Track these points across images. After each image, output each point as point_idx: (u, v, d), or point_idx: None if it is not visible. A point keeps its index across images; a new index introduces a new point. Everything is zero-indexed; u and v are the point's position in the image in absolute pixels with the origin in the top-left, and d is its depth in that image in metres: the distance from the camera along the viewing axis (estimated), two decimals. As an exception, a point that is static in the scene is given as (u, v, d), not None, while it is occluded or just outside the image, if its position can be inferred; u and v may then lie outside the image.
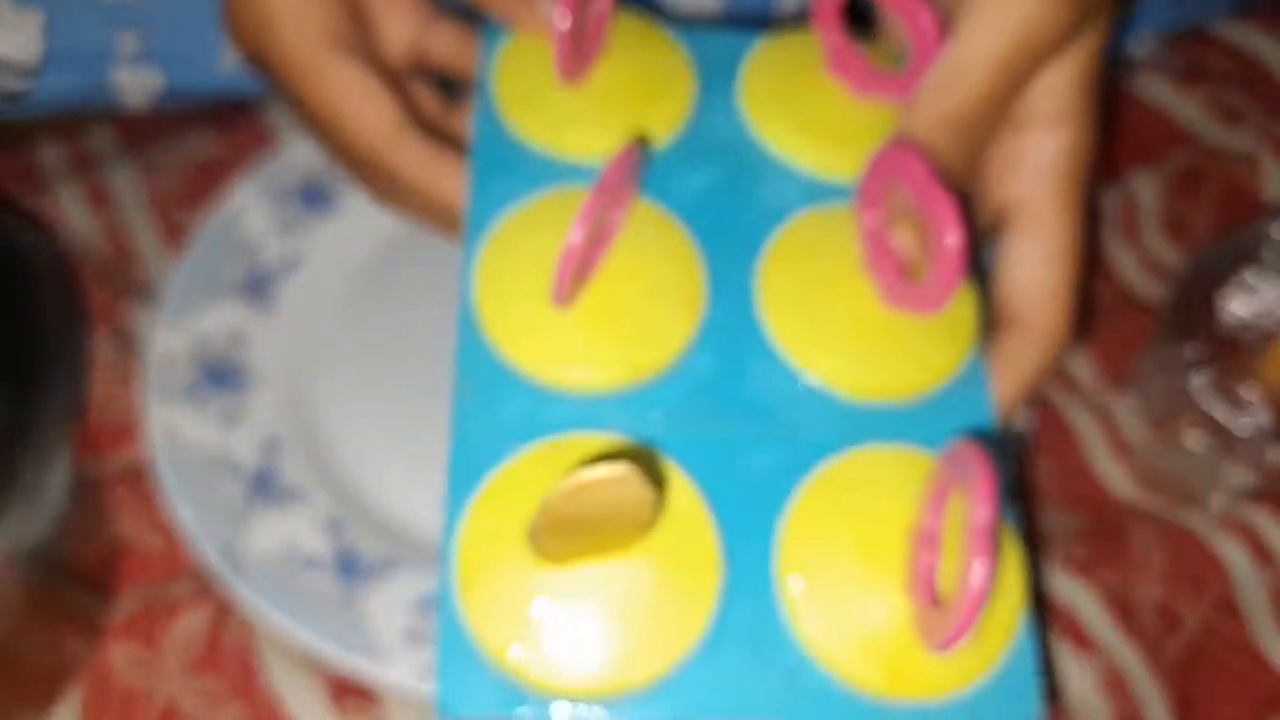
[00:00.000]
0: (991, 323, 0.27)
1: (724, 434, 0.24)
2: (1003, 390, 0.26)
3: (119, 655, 0.31)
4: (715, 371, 0.25)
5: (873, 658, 0.21)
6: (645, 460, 0.23)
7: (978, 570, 0.19)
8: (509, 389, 0.24)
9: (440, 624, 0.22)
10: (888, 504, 0.23)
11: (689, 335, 0.25)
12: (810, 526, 0.23)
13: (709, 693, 0.21)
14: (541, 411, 0.24)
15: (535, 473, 0.23)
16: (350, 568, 0.32)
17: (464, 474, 0.23)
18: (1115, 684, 0.31)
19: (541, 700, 0.21)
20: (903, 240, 0.24)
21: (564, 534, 0.20)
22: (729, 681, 0.21)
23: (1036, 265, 0.27)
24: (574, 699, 0.21)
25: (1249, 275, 0.34)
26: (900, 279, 0.24)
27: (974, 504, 0.19)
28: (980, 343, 0.26)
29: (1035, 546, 0.32)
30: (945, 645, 0.20)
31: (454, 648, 0.21)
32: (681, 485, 0.23)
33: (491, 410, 0.24)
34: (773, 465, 0.23)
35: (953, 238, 0.22)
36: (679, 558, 0.22)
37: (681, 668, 0.21)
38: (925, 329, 0.25)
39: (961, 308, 0.26)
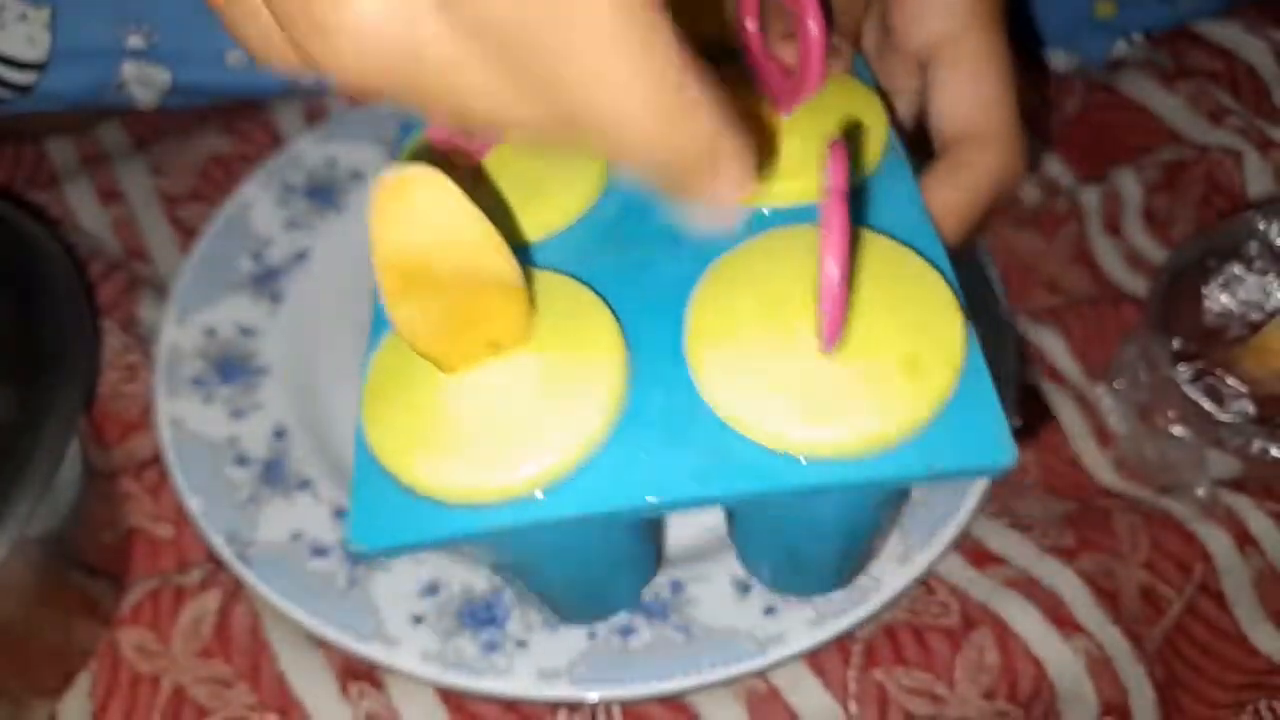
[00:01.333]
0: (938, 154, 0.27)
1: (632, 256, 0.23)
2: (953, 198, 0.25)
3: (128, 641, 0.31)
4: (623, 211, 0.24)
5: (793, 415, 0.20)
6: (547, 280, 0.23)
7: (829, 267, 0.18)
8: None
9: (355, 464, 0.21)
10: (790, 269, 0.22)
11: (598, 188, 0.25)
12: (715, 303, 0.22)
13: (629, 475, 0.20)
14: None
15: None
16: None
17: (379, 324, 0.23)
18: (1101, 668, 0.31)
19: (457, 513, 0.20)
20: (784, 52, 0.24)
21: (421, 297, 0.18)
22: (648, 462, 0.20)
23: (967, 85, 0.26)
24: (487, 505, 0.20)
25: (1233, 268, 0.34)
26: (783, 79, 0.25)
27: (822, 257, 0.18)
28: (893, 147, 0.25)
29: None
30: (826, 347, 0.20)
31: (366, 482, 0.21)
32: (580, 289, 0.22)
33: None
34: (680, 270, 0.23)
35: (814, 25, 0.22)
36: (581, 351, 0.21)
37: (597, 455, 0.20)
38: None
39: (871, 120, 0.25)
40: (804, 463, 0.20)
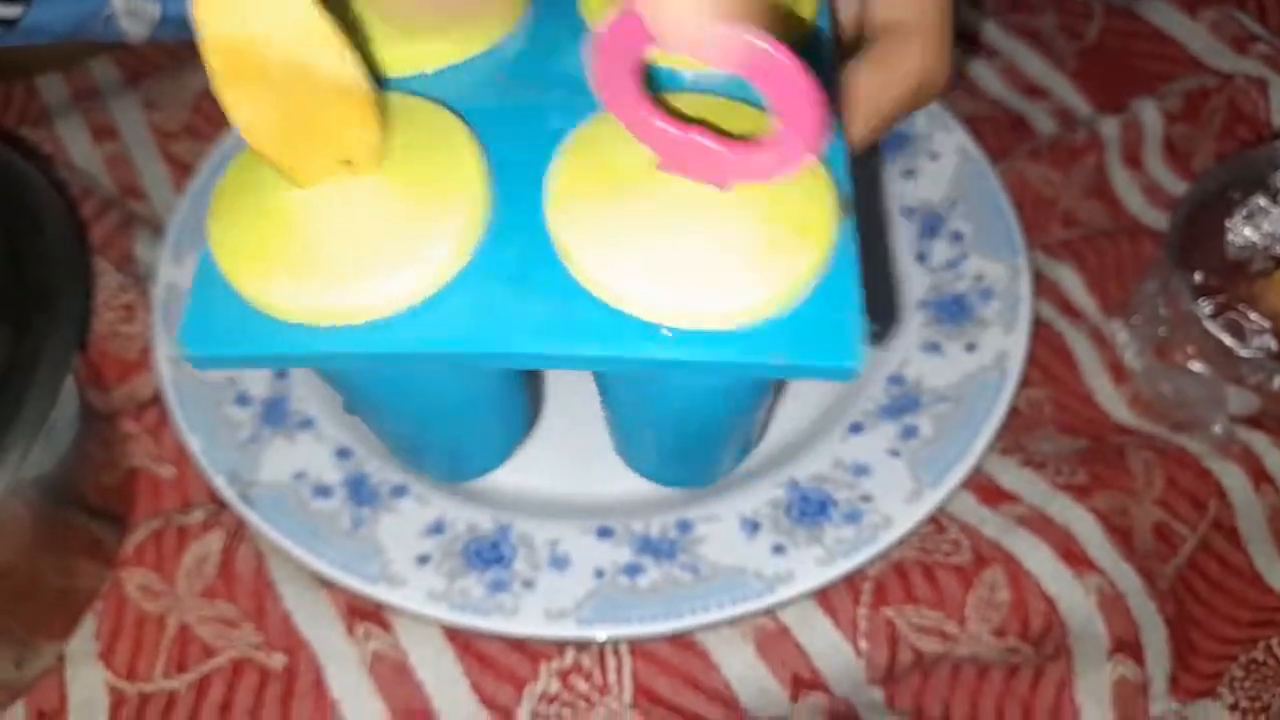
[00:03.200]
0: (865, 44, 0.25)
1: (522, 99, 0.22)
2: (869, 88, 0.24)
3: (133, 582, 0.31)
4: (528, 53, 0.23)
5: (646, 280, 0.19)
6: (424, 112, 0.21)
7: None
8: None
9: (197, 269, 0.20)
10: None
11: (503, 29, 0.23)
12: (588, 157, 0.20)
13: (471, 321, 0.19)
14: None
15: None
16: (360, 494, 0.31)
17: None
18: (1113, 604, 0.30)
19: (293, 332, 0.19)
20: None
21: (257, 95, 0.17)
22: (493, 310, 0.19)
23: None
24: (321, 328, 0.19)
25: (1258, 199, 0.32)
26: None
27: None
28: None
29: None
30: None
31: (205, 288, 0.20)
32: (452, 122, 0.21)
33: None
34: (568, 123, 0.21)
35: None
36: (440, 182, 0.20)
37: (441, 293, 0.19)
38: None
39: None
40: (650, 331, 0.19)
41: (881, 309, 0.34)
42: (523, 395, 0.29)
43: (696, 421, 0.25)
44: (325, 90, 0.18)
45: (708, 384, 0.22)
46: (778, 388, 0.26)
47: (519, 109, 0.22)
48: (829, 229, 0.19)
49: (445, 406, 0.24)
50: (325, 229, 0.19)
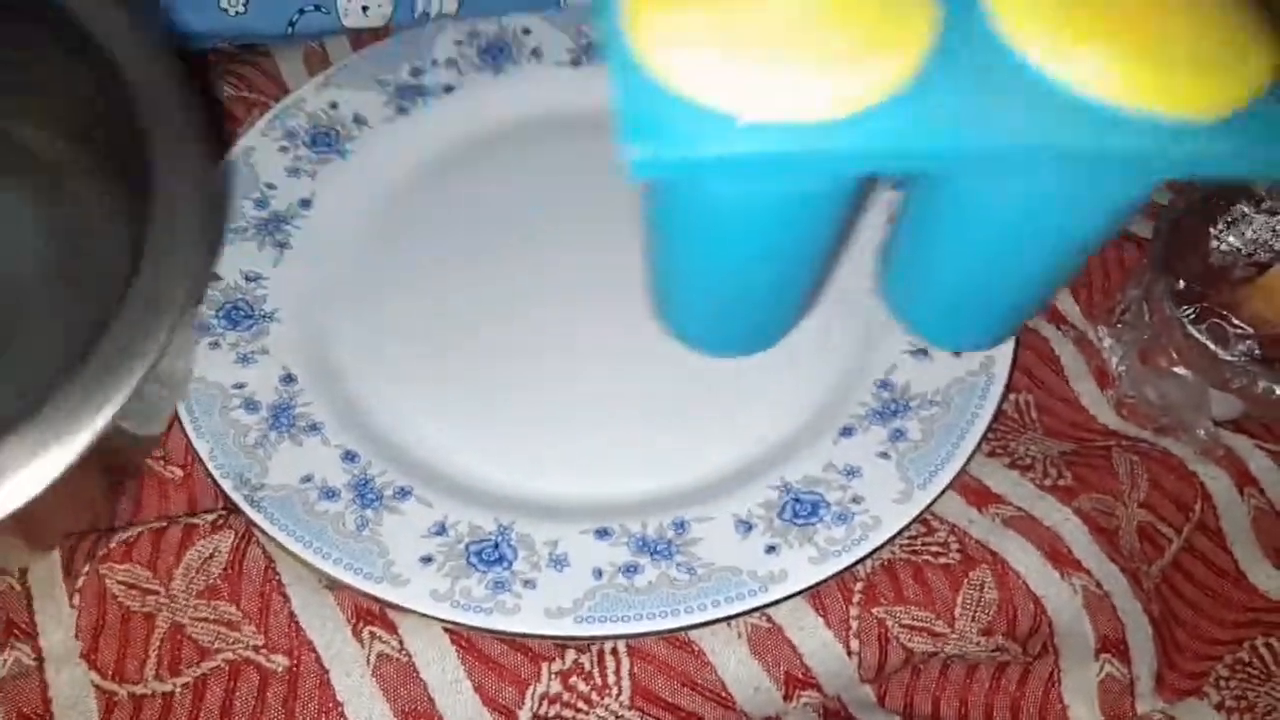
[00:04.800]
0: None
1: None
2: None
3: (115, 579, 0.30)
4: None
5: (1118, 60, 0.17)
6: None
7: None
8: None
9: (615, 76, 0.17)
10: None
11: None
12: None
13: (938, 112, 0.17)
14: None
15: None
16: (365, 497, 0.31)
17: None
18: (1099, 604, 0.30)
19: (740, 130, 0.17)
20: None
21: None
22: (958, 108, 0.17)
23: None
24: (773, 125, 0.17)
25: (1241, 206, 0.33)
26: None
27: None
28: None
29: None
30: None
31: (633, 86, 0.17)
32: None
33: None
34: None
35: None
36: None
37: (902, 92, 0.17)
38: None
39: None
40: (1129, 117, 0.17)
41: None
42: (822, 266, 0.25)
43: (1063, 245, 0.22)
44: None
45: (1090, 194, 0.19)
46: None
47: None
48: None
49: (792, 238, 0.22)
50: (781, 16, 0.17)
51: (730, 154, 0.17)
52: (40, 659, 0.29)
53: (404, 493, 0.31)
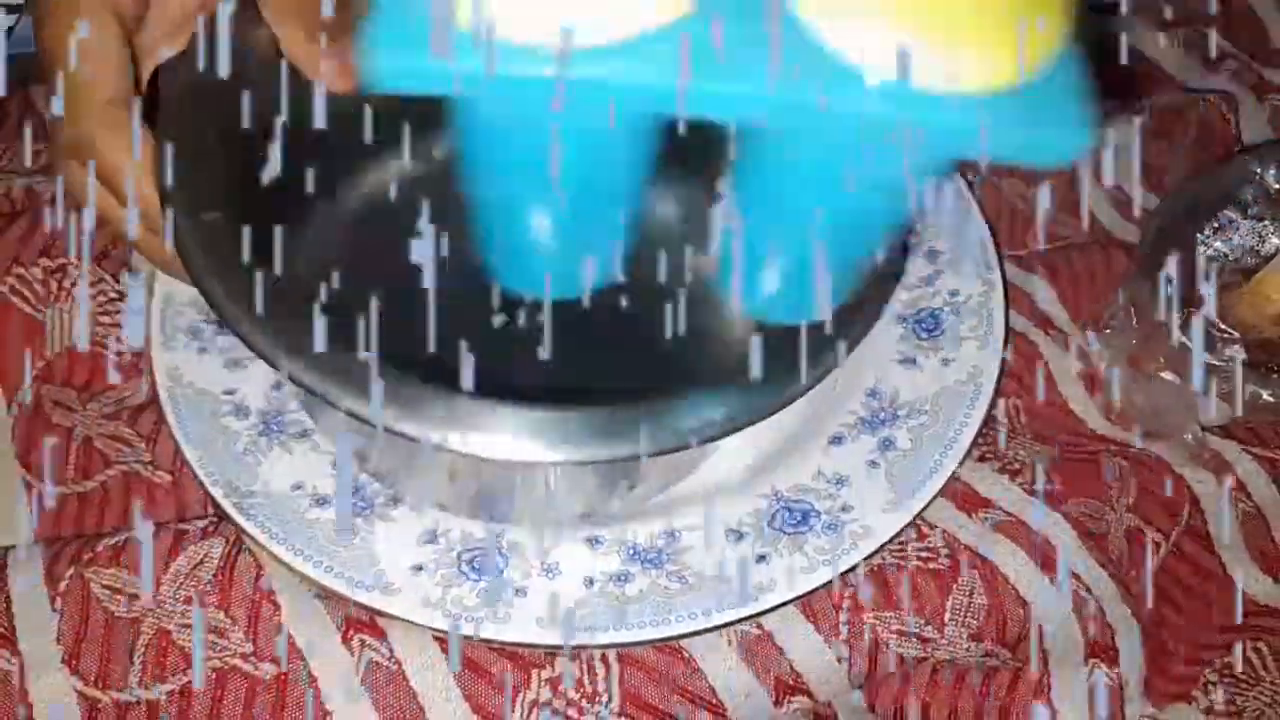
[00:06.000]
0: None
1: None
2: None
3: (100, 583, 0.29)
4: None
5: (889, 30, 0.17)
6: None
7: None
8: None
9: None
10: None
11: None
12: None
13: (698, 55, 0.17)
14: None
15: None
16: (358, 505, 0.30)
17: None
18: (1088, 609, 0.30)
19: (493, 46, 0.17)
20: None
21: None
22: (715, 50, 0.18)
23: None
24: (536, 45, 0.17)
25: (1228, 213, 0.32)
26: None
27: None
28: None
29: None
30: None
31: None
32: None
33: None
34: None
35: None
36: None
37: (667, 29, 0.18)
38: None
39: None
40: (886, 85, 0.17)
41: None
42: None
43: (859, 198, 0.21)
44: None
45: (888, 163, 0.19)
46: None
47: None
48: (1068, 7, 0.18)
49: (599, 158, 0.21)
50: None
51: (467, 71, 0.17)
52: (21, 665, 0.28)
53: (395, 500, 0.31)
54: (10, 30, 0.37)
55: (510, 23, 0.17)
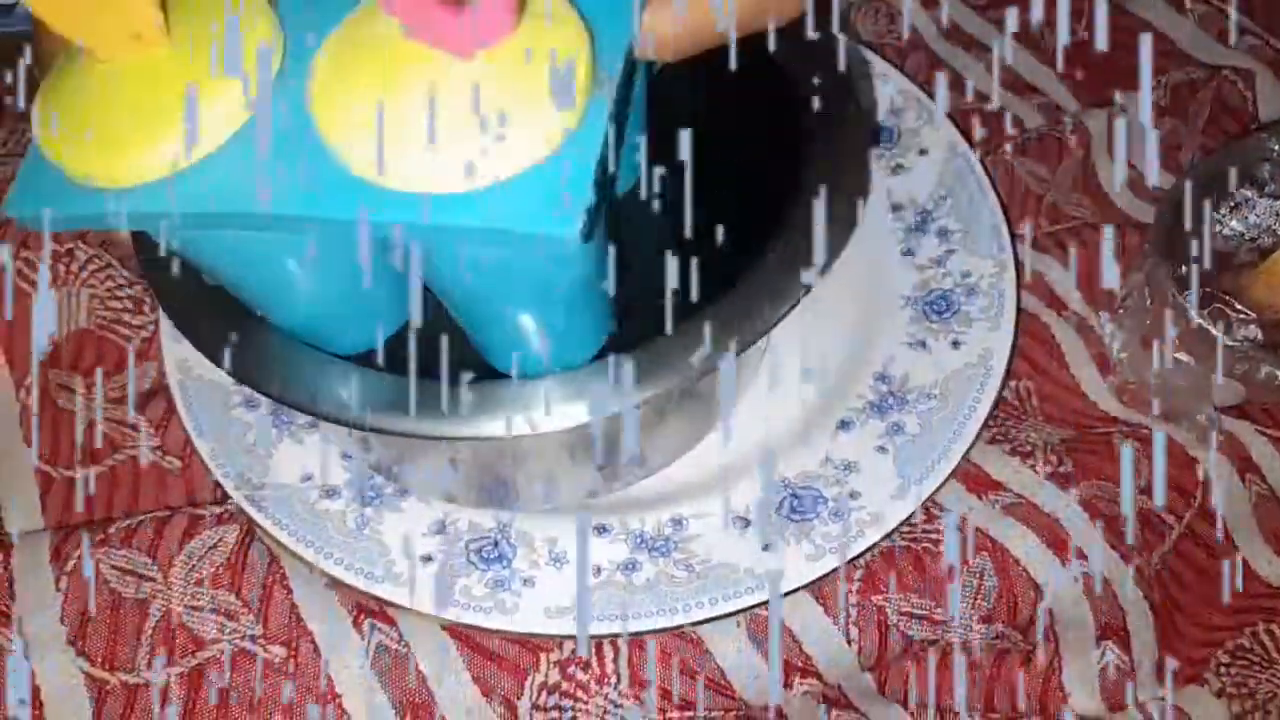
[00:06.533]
0: None
1: None
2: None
3: (109, 564, 0.30)
4: None
5: (381, 146, 0.19)
6: None
7: None
8: None
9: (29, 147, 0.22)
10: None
11: None
12: (349, 34, 0.21)
13: (230, 182, 0.20)
14: None
15: None
16: (365, 494, 0.30)
17: None
18: (1100, 591, 0.30)
19: (87, 193, 0.21)
20: None
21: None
22: (250, 174, 0.20)
23: None
24: (112, 187, 0.20)
25: (1244, 191, 0.32)
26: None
27: None
28: None
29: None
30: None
31: (33, 163, 0.21)
32: None
33: None
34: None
35: None
36: (220, 57, 0.21)
37: (206, 161, 0.20)
38: None
39: None
40: (379, 195, 0.19)
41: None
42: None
43: (500, 292, 0.23)
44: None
45: (483, 252, 0.21)
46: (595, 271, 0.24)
47: None
48: (567, 105, 0.19)
49: (258, 261, 0.24)
50: (114, 98, 0.21)
51: (72, 213, 0.21)
52: (25, 644, 0.28)
53: (404, 490, 0.31)
54: (9, 7, 0.37)
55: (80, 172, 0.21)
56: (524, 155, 0.19)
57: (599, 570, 0.29)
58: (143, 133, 0.20)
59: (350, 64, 0.20)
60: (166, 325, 0.33)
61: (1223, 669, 0.30)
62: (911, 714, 0.28)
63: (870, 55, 0.37)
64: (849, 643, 0.29)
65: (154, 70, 0.21)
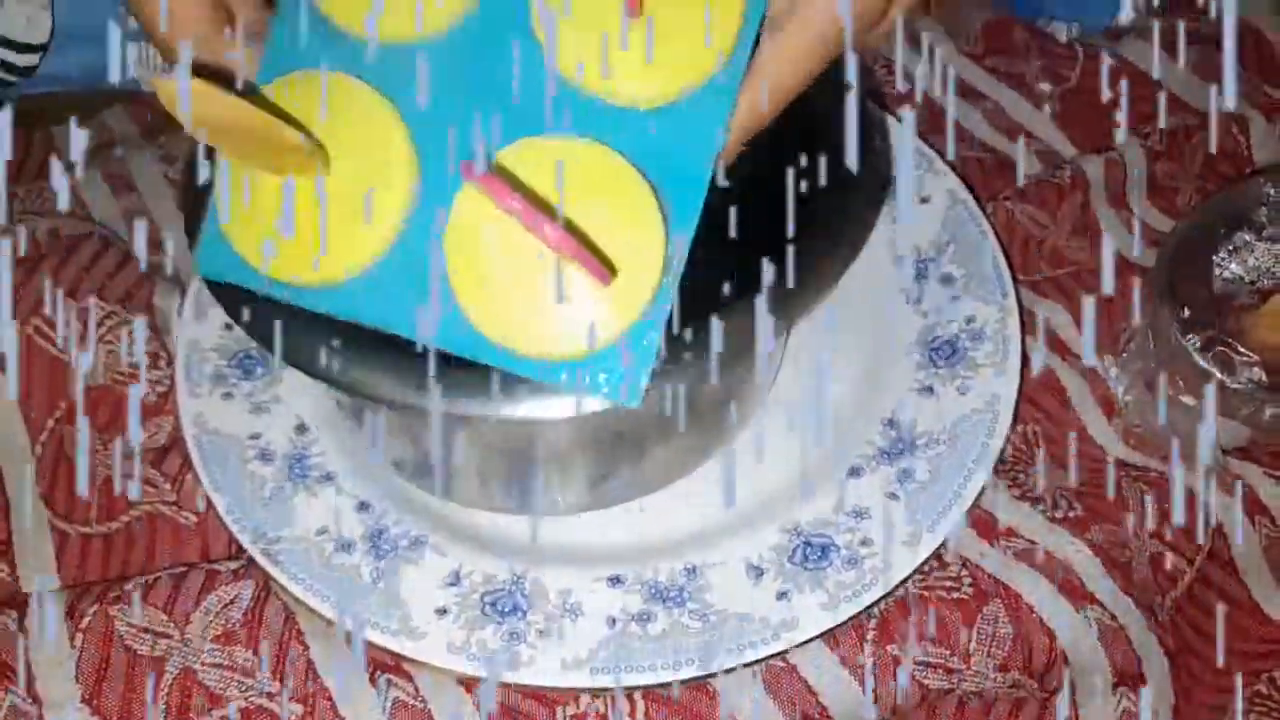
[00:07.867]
0: None
1: (462, 101, 0.25)
2: (761, 56, 0.24)
3: (126, 621, 0.29)
4: (478, 49, 0.25)
5: (504, 313, 0.24)
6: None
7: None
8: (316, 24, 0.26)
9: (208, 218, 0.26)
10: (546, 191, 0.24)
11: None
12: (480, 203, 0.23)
13: (375, 303, 0.24)
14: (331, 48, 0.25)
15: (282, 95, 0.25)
16: (380, 547, 0.30)
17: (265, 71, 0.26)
18: (1114, 637, 0.29)
19: (257, 278, 0.25)
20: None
21: (234, 141, 0.23)
22: (393, 299, 0.24)
23: None
24: (283, 284, 0.25)
25: (1242, 234, 0.32)
26: None
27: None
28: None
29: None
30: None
31: (212, 234, 0.26)
32: (395, 129, 0.25)
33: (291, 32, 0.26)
34: (493, 129, 0.24)
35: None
36: (372, 181, 0.24)
37: (358, 277, 0.24)
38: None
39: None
40: (495, 350, 0.24)
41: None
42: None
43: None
44: (272, 143, 0.23)
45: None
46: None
47: (453, 109, 0.25)
48: (639, 299, 0.24)
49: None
50: (281, 209, 0.25)
51: (260, 290, 0.25)
52: (38, 703, 0.28)
53: (419, 542, 0.31)
54: (32, 69, 0.38)
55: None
56: (596, 337, 0.24)
57: (613, 621, 0.29)
58: (307, 249, 0.24)
59: (483, 215, 0.23)
60: (182, 381, 0.34)
61: (1240, 715, 0.29)
62: (929, 763, 0.28)
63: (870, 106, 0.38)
64: (865, 692, 0.29)
65: (312, 194, 0.24)
